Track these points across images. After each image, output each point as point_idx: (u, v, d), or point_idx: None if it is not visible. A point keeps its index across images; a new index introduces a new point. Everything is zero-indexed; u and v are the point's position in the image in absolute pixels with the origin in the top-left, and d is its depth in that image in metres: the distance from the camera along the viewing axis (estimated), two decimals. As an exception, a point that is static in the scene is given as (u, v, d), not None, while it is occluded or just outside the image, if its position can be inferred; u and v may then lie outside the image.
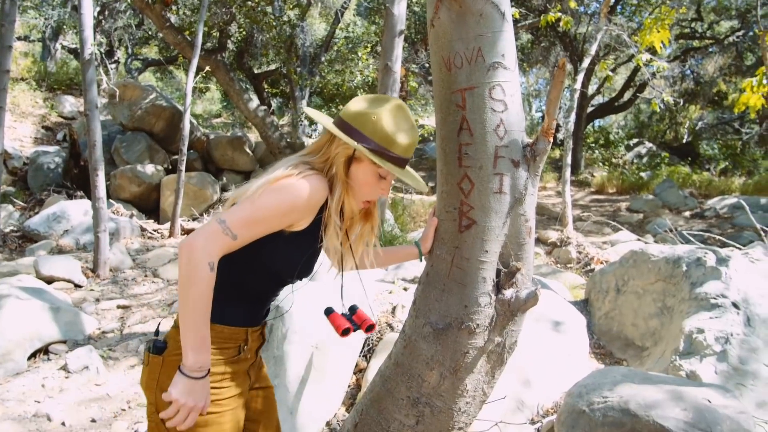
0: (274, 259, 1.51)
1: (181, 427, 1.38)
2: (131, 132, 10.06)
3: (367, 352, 3.30)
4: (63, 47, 16.36)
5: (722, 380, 2.84)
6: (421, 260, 1.91)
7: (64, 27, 14.56)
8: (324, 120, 1.63)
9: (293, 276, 1.57)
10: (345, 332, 1.65)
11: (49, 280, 4.90)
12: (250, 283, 1.53)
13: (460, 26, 1.70)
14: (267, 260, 1.50)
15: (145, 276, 5.48)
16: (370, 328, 1.72)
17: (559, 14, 6.89)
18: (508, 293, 1.75)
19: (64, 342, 3.81)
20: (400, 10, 6.44)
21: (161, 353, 1.45)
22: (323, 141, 1.59)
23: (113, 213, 7.34)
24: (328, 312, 1.72)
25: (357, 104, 1.60)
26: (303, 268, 1.57)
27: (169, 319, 4.26)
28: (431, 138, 11.73)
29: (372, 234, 1.76)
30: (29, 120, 12.30)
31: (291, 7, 10.73)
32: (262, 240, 1.45)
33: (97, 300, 4.71)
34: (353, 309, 1.78)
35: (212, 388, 1.43)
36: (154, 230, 7.37)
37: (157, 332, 1.54)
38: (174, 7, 9.66)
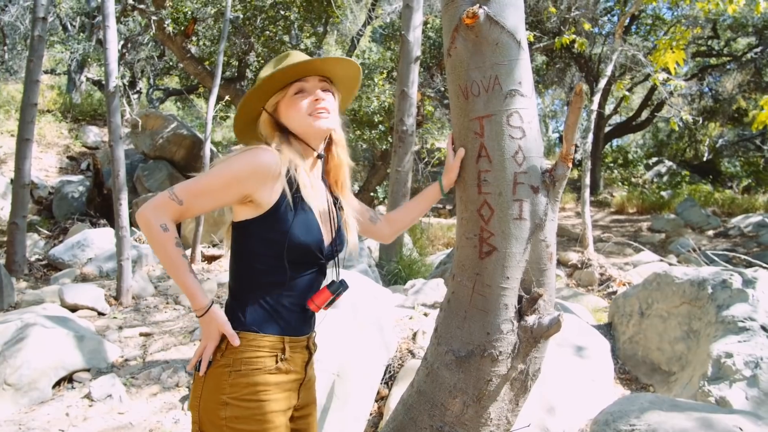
0: (265, 243, 1.51)
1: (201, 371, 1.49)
2: (153, 160, 10.26)
3: (389, 379, 3.28)
4: (88, 79, 16.84)
5: (753, 406, 2.77)
6: (444, 196, 1.89)
7: (89, 60, 15.00)
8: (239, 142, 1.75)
9: (289, 255, 1.51)
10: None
11: (74, 308, 4.97)
12: (266, 280, 1.53)
13: (476, 55, 1.73)
14: (263, 248, 1.52)
15: (167, 303, 5.53)
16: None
17: (574, 36, 6.93)
18: (531, 320, 1.74)
19: (88, 370, 3.84)
20: (415, 36, 6.56)
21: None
22: (249, 145, 1.62)
23: (136, 241, 7.45)
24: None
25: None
26: (301, 242, 1.52)
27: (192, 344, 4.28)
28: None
29: (340, 170, 1.72)
30: (54, 150, 12.62)
31: (308, 35, 10.94)
32: (249, 232, 1.52)
33: (120, 328, 4.75)
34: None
35: (252, 401, 1.46)
36: (175, 257, 7.44)
37: None
38: (194, 38, 9.92)
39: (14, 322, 3.80)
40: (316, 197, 1.57)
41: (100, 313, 5.12)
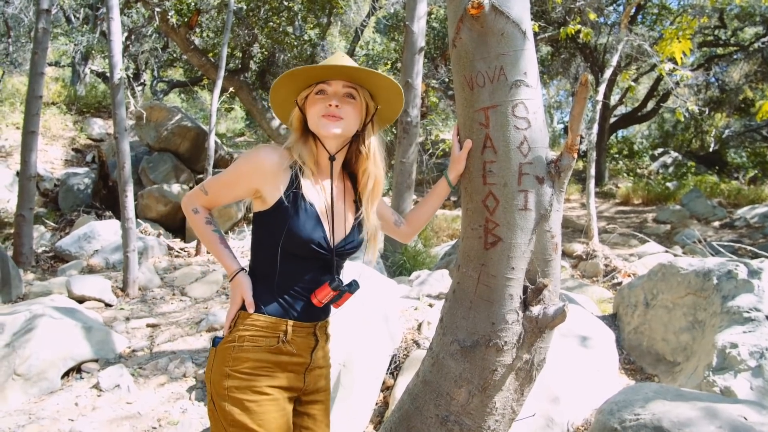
0: (269, 234, 1.62)
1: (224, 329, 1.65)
2: (158, 152, 10.28)
3: (394, 370, 3.30)
4: (92, 71, 16.84)
5: (758, 396, 2.77)
6: (452, 189, 1.91)
7: (93, 52, 15.00)
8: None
9: (287, 247, 1.59)
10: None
11: (81, 300, 5.01)
12: (267, 268, 1.64)
13: (481, 46, 1.73)
14: (267, 239, 1.63)
15: (173, 294, 5.56)
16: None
17: (579, 26, 6.87)
18: (536, 310, 1.75)
19: (96, 360, 3.88)
20: (419, 27, 6.53)
21: (217, 345, 1.63)
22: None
23: (141, 232, 7.49)
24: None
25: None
26: (298, 236, 1.58)
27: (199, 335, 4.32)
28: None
29: (374, 192, 1.75)
30: (59, 143, 12.66)
31: (311, 26, 10.91)
32: (258, 223, 1.66)
33: (127, 319, 4.79)
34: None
35: (250, 374, 1.57)
36: (181, 249, 7.49)
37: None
38: (198, 30, 9.90)
39: (23, 313, 3.84)
40: (317, 196, 1.64)
41: (108, 305, 5.16)
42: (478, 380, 1.77)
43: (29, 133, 6.64)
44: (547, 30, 10.95)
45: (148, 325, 4.64)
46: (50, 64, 15.55)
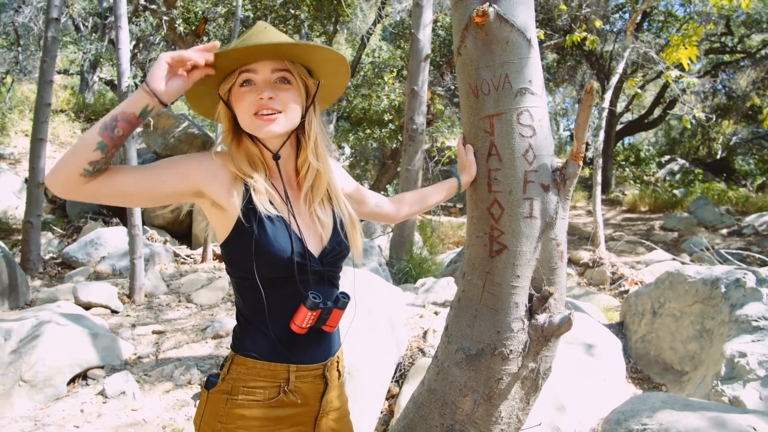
0: (240, 263, 1.33)
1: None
2: (165, 160, 10.34)
3: (399, 378, 3.28)
4: (100, 79, 16.99)
5: (767, 406, 2.74)
6: (459, 194, 1.82)
7: (101, 60, 15.15)
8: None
9: (266, 273, 1.32)
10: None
11: (87, 306, 5.03)
12: (256, 303, 1.35)
13: (486, 54, 1.73)
14: (240, 270, 1.35)
15: (179, 301, 5.57)
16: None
17: (585, 33, 6.88)
18: (541, 318, 1.74)
19: (102, 367, 3.89)
20: (425, 35, 6.55)
21: (209, 388, 1.37)
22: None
23: (148, 239, 7.51)
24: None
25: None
26: (274, 260, 1.31)
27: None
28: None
29: (316, 188, 1.44)
30: (68, 149, 12.75)
31: (318, 34, 10.96)
32: (227, 259, 1.37)
33: (133, 325, 4.80)
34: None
35: None
36: (187, 256, 7.51)
37: (222, 365, 1.42)
38: (205, 38, 9.96)
39: (30, 320, 3.86)
40: (277, 207, 1.35)
41: (114, 311, 5.18)
42: (483, 389, 1.76)
43: (38, 140, 6.69)
44: (553, 37, 10.96)
45: (153, 332, 4.64)
46: (59, 72, 15.71)
